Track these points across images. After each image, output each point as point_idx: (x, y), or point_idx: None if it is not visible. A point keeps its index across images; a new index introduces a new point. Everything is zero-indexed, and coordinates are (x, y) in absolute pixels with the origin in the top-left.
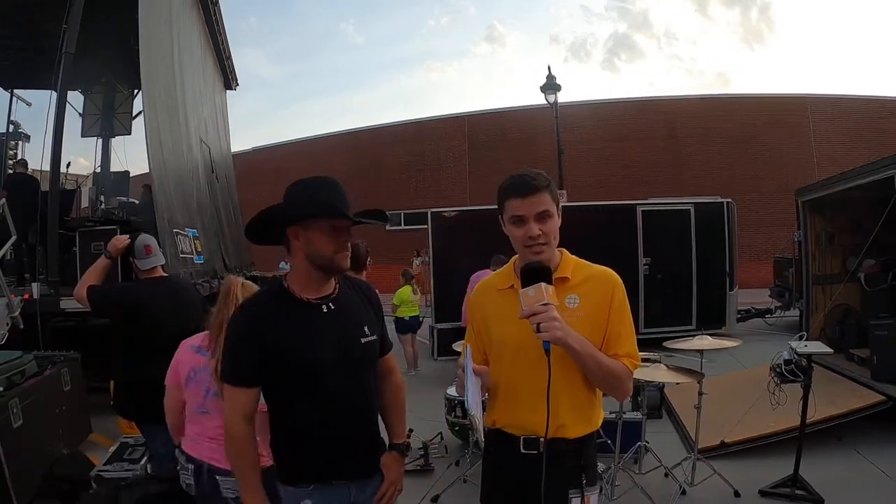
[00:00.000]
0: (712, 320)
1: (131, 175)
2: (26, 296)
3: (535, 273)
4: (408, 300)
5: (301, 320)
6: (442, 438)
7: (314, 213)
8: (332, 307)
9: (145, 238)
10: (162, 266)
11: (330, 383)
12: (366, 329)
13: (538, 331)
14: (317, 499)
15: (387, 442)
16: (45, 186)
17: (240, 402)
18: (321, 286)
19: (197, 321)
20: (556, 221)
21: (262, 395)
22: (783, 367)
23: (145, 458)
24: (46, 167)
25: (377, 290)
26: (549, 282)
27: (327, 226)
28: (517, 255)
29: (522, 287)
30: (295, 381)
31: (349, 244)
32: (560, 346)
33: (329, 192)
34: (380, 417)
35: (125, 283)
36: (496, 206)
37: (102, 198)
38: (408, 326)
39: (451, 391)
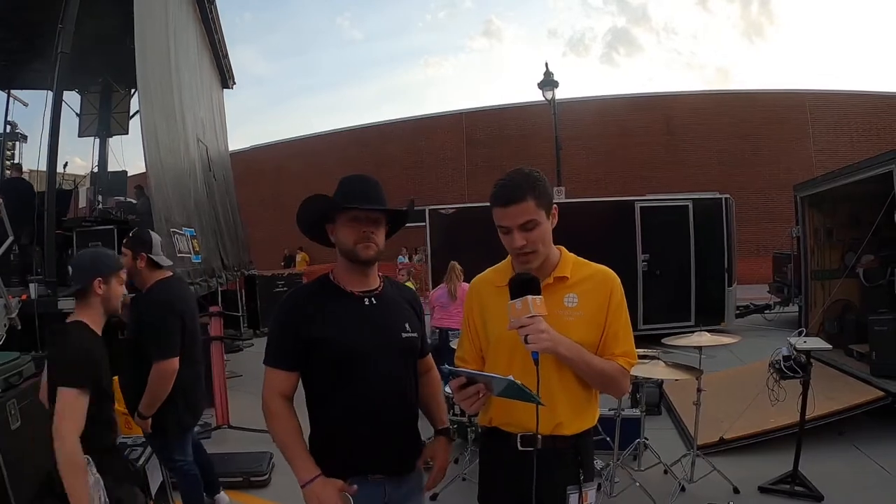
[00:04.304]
0: (711, 316)
1: (129, 175)
2: (24, 296)
3: (523, 285)
4: None
5: (342, 310)
6: None
7: (317, 206)
8: (374, 301)
9: (151, 232)
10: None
11: (368, 373)
12: (406, 326)
13: (526, 342)
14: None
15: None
16: (41, 187)
17: (277, 380)
18: (363, 280)
19: (198, 318)
20: (545, 227)
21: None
22: (782, 363)
23: (144, 458)
24: (43, 167)
25: None
26: (538, 293)
27: (347, 219)
28: None
29: (511, 298)
30: (334, 369)
31: (372, 236)
32: (550, 354)
33: (351, 186)
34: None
35: (163, 302)
36: None
37: (100, 197)
38: None
39: (448, 390)
